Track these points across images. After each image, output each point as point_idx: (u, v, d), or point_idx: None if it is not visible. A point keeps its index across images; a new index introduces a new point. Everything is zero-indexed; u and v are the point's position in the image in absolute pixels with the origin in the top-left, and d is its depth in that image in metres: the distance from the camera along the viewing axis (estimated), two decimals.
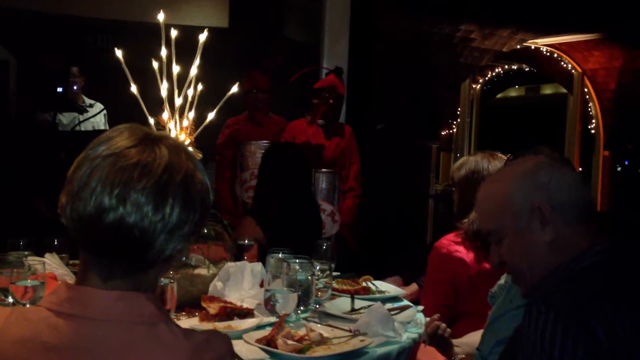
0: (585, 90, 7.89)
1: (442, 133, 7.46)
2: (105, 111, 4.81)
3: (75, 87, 4.60)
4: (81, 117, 4.66)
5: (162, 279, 1.89)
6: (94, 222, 1.00)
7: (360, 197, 4.16)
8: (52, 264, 2.10)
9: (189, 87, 2.45)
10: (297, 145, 3.86)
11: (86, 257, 1.05)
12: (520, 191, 1.41)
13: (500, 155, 2.56)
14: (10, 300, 1.83)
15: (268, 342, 1.76)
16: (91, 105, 4.78)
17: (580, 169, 8.03)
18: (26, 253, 2.07)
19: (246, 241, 2.55)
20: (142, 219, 1.00)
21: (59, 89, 4.47)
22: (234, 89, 2.54)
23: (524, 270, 1.43)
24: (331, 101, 4.12)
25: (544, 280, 1.39)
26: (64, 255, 2.29)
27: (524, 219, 1.39)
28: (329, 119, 4.18)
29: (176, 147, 1.07)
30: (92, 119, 4.69)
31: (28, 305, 1.76)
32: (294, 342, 1.78)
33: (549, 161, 1.46)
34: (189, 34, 2.53)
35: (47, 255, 2.16)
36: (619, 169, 7.85)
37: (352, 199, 4.12)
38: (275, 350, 1.73)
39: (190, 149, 1.12)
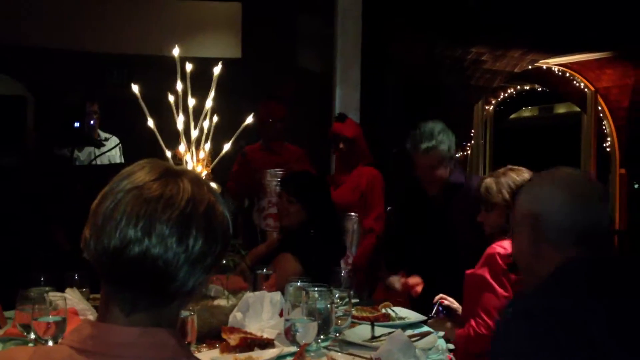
0: (599, 108, 7.87)
1: (457, 155, 7.45)
2: (120, 144, 4.86)
3: (92, 122, 4.66)
4: (97, 152, 4.71)
5: (182, 311, 1.90)
6: (120, 254, 1.00)
7: (378, 238, 3.99)
8: (72, 299, 2.11)
9: (204, 119, 2.47)
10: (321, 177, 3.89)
11: (109, 291, 1.06)
12: (524, 195, 1.51)
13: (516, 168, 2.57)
14: (33, 336, 1.84)
15: None
16: (107, 139, 4.83)
17: None
18: (47, 289, 2.08)
19: (264, 270, 2.55)
20: (167, 251, 1.01)
21: (76, 124, 4.54)
22: (249, 119, 2.57)
23: (519, 265, 1.55)
24: (341, 146, 4.01)
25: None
26: (84, 289, 2.31)
27: (521, 221, 1.49)
28: (345, 164, 4.07)
29: (197, 180, 1.08)
30: (107, 153, 4.74)
31: (50, 342, 1.77)
32: None
33: (560, 180, 1.49)
34: (203, 66, 2.57)
35: (67, 290, 2.17)
36: (636, 186, 7.78)
37: (370, 239, 3.98)
38: None
39: (211, 183, 1.13)
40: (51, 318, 1.80)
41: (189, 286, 1.04)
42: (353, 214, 3.97)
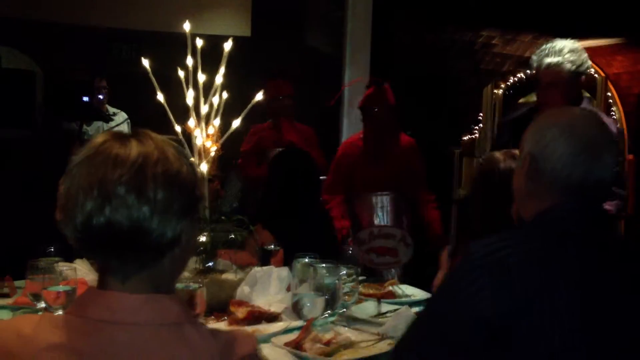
0: (609, 94, 7.82)
1: (465, 138, 7.43)
2: (128, 120, 4.87)
3: (101, 97, 4.66)
4: (106, 127, 4.73)
5: (191, 284, 1.92)
6: (88, 228, 1.00)
7: (439, 205, 3.84)
8: (82, 269, 2.13)
9: (214, 94, 2.47)
10: (306, 152, 3.84)
11: (99, 263, 1.07)
12: (532, 134, 1.46)
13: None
14: (43, 305, 1.86)
15: (296, 346, 1.77)
16: (115, 114, 4.84)
17: None
18: (57, 259, 2.10)
19: (272, 246, 2.57)
20: (130, 210, 1.00)
21: (85, 99, 4.54)
22: (259, 96, 2.56)
23: (517, 203, 1.52)
24: (376, 110, 3.65)
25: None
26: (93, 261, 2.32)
27: (523, 157, 1.46)
28: (389, 135, 3.73)
29: (146, 136, 1.07)
30: (116, 128, 4.76)
31: (60, 311, 1.79)
32: (322, 346, 1.79)
33: (568, 127, 1.43)
34: (212, 43, 2.56)
35: (77, 261, 2.19)
36: None
37: (435, 209, 3.79)
38: (303, 353, 1.74)
39: (168, 139, 1.11)
40: (61, 288, 1.82)
41: (169, 236, 1.03)
42: (384, 193, 3.57)
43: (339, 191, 3.71)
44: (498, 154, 2.25)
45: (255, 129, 4.32)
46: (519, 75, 8.41)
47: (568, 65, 2.72)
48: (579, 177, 1.37)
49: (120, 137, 1.06)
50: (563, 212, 1.38)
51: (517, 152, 2.24)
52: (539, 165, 1.41)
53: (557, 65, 2.72)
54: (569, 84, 2.74)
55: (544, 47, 2.78)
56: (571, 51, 2.74)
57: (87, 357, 1.00)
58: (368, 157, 3.71)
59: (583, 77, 2.77)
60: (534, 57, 2.83)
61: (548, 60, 2.74)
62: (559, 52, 2.73)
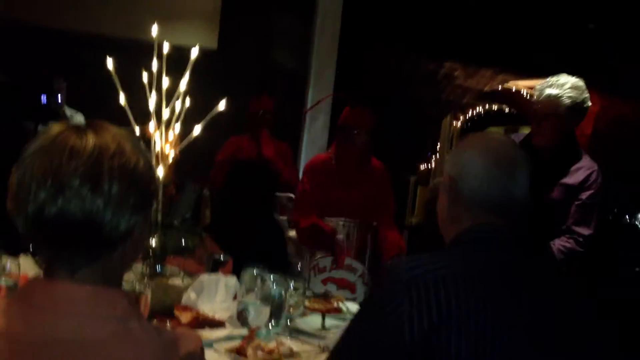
0: None
1: (421, 167, 7.57)
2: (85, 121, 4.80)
3: (59, 98, 4.60)
4: None
5: (136, 286, 1.91)
6: (39, 218, 0.99)
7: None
8: (26, 265, 2.10)
9: (177, 99, 2.48)
10: (265, 165, 3.84)
11: (48, 255, 1.05)
12: (452, 157, 1.54)
13: None
14: None
15: (238, 352, 1.78)
16: (72, 117, 4.77)
17: None
18: (0, 253, 2.06)
19: (222, 256, 2.57)
20: (83, 202, 0.99)
21: (43, 100, 4.48)
22: (221, 105, 2.56)
23: (440, 225, 1.57)
24: (362, 138, 3.40)
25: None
26: (37, 258, 2.29)
27: (445, 179, 1.52)
28: (364, 159, 3.48)
29: (103, 128, 1.06)
30: None
31: None
32: (264, 354, 1.80)
33: (483, 147, 1.51)
34: (179, 52, 2.57)
35: (21, 256, 2.16)
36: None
37: (399, 239, 3.52)
38: (245, 359, 1.75)
39: (126, 132, 1.11)
40: (3, 281, 1.80)
41: (122, 229, 1.03)
42: (352, 221, 3.33)
43: (310, 212, 3.40)
44: None
45: (233, 139, 4.44)
46: (478, 108, 8.63)
47: (566, 100, 2.74)
48: (495, 196, 1.43)
49: (77, 128, 1.05)
50: (481, 231, 1.43)
51: None
52: (458, 185, 1.47)
53: (556, 97, 2.75)
54: (564, 119, 2.77)
55: (549, 79, 2.81)
56: (573, 87, 2.76)
57: (28, 344, 0.99)
58: (340, 179, 3.44)
59: (579, 113, 2.80)
60: (537, 87, 2.85)
61: (549, 91, 2.77)
62: (561, 85, 2.76)
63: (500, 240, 1.42)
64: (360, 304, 1.45)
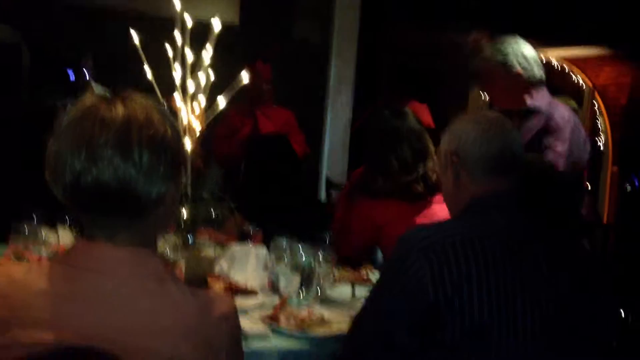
0: (595, 105, 7.92)
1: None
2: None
3: (87, 75, 4.66)
4: None
5: (172, 256, 1.96)
6: (76, 187, 1.05)
7: None
8: (64, 237, 2.16)
9: (200, 72, 2.50)
10: (283, 137, 3.82)
11: (87, 221, 1.11)
12: (446, 137, 1.65)
13: None
14: None
15: (271, 318, 1.82)
16: (99, 92, 4.83)
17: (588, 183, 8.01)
18: (39, 225, 2.12)
19: (251, 227, 2.60)
20: (116, 171, 1.04)
21: (71, 77, 4.54)
22: (245, 78, 2.58)
23: (447, 204, 1.67)
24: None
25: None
26: (75, 229, 2.35)
27: (444, 160, 1.62)
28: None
29: (131, 99, 1.11)
30: None
31: None
32: (297, 321, 1.84)
33: (474, 117, 1.66)
34: (200, 27, 2.59)
35: (59, 228, 2.22)
36: (628, 189, 7.79)
37: None
38: (278, 326, 1.79)
39: (154, 102, 1.14)
40: (44, 251, 1.85)
41: (154, 196, 1.08)
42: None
43: None
44: None
45: (233, 111, 4.22)
46: None
47: (498, 57, 2.76)
48: (496, 153, 1.53)
49: (107, 99, 1.09)
50: (487, 198, 1.50)
51: None
52: (460, 155, 1.56)
53: (484, 55, 2.84)
54: (498, 76, 2.78)
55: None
56: (504, 44, 2.78)
57: (72, 301, 1.04)
58: None
59: (515, 69, 2.73)
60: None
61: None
62: (493, 44, 2.83)
63: (506, 205, 1.49)
64: (380, 274, 1.50)
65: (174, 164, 1.11)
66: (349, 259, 2.65)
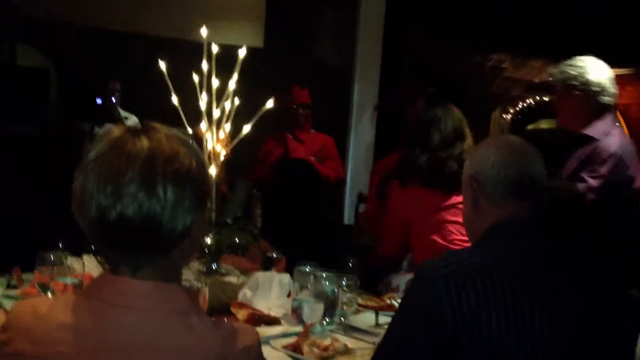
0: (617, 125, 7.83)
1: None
2: (139, 124, 4.90)
3: (114, 100, 4.72)
4: None
5: (196, 283, 1.96)
6: (101, 222, 1.05)
7: None
8: (90, 265, 2.17)
9: (226, 99, 2.52)
10: (310, 164, 3.81)
11: (111, 256, 1.11)
12: (467, 161, 1.65)
13: None
14: (50, 295, 1.90)
15: (294, 349, 1.80)
16: (127, 118, 4.89)
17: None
18: (65, 254, 2.14)
19: (275, 254, 2.60)
20: (141, 207, 1.04)
21: (98, 101, 4.61)
22: (269, 103, 2.60)
23: (467, 232, 1.67)
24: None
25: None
26: (100, 258, 2.36)
27: (465, 185, 1.62)
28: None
29: (156, 130, 1.11)
30: None
31: None
32: (320, 351, 1.83)
33: (495, 142, 1.65)
34: (226, 52, 2.62)
35: (84, 256, 2.23)
36: None
37: None
38: (301, 357, 1.78)
39: (179, 133, 1.14)
40: (69, 279, 1.86)
41: (179, 230, 1.07)
42: None
43: None
44: None
45: (270, 135, 4.22)
46: (528, 100, 8.47)
47: (558, 76, 2.76)
48: (514, 177, 1.51)
49: (133, 132, 1.10)
50: (506, 224, 1.49)
51: None
52: (479, 180, 1.55)
53: (554, 75, 2.84)
54: (562, 97, 2.78)
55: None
56: (570, 64, 2.74)
57: (96, 336, 1.04)
58: None
59: (576, 92, 2.70)
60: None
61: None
62: (563, 63, 2.79)
63: (526, 231, 1.48)
64: (400, 304, 1.50)
65: (200, 196, 1.11)
66: (388, 259, 2.69)
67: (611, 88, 2.72)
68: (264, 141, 4.23)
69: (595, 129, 2.69)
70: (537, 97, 8.43)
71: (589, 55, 2.81)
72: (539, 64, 6.55)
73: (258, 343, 1.14)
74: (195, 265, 2.26)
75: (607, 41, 6.16)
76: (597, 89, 2.69)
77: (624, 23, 6.03)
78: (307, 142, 4.19)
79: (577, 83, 2.69)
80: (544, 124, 11.63)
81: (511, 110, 8.37)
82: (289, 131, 4.19)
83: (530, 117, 9.91)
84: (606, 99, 2.71)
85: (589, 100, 2.69)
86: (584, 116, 2.71)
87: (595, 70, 2.72)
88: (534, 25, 6.11)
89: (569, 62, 2.76)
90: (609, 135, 2.68)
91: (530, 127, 10.90)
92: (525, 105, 8.50)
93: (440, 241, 2.67)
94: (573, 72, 2.71)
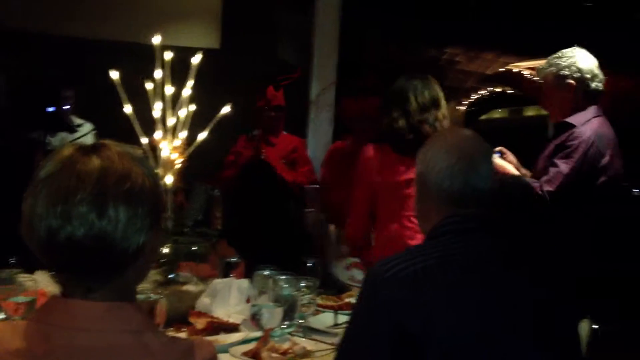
0: None
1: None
2: (95, 131, 4.84)
3: (66, 107, 4.65)
4: (70, 137, 4.68)
5: (151, 295, 1.96)
6: (50, 244, 1.03)
7: None
8: (43, 281, 2.15)
9: (181, 107, 2.51)
10: (268, 163, 3.83)
11: (61, 277, 1.10)
12: (420, 155, 1.63)
13: None
14: (2, 316, 1.88)
15: (253, 355, 1.82)
16: (80, 125, 4.82)
17: None
18: (18, 270, 2.11)
19: (233, 259, 2.61)
20: (91, 228, 1.02)
21: (51, 109, 4.54)
22: (226, 109, 2.59)
23: (417, 220, 1.70)
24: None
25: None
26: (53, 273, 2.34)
27: (417, 180, 1.62)
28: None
29: (108, 149, 1.09)
30: (81, 139, 4.72)
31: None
32: (279, 356, 1.85)
33: (447, 143, 1.61)
34: (181, 55, 2.60)
35: (38, 272, 2.20)
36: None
37: None
38: None
39: (132, 150, 1.13)
40: (21, 298, 1.84)
41: (132, 250, 1.06)
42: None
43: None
44: None
45: (242, 137, 4.18)
46: (481, 92, 8.62)
47: (550, 69, 2.85)
48: (457, 189, 1.53)
49: (84, 151, 1.08)
50: (448, 224, 1.51)
51: None
52: (426, 181, 1.57)
53: (542, 69, 2.90)
54: (553, 89, 2.86)
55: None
56: (559, 56, 2.85)
57: None
58: None
59: (570, 81, 2.81)
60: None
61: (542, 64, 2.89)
62: (551, 57, 2.87)
63: (467, 229, 1.50)
64: (353, 307, 1.54)
65: (153, 214, 1.10)
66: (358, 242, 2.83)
67: (600, 74, 2.86)
68: (236, 143, 4.17)
69: (577, 118, 2.80)
70: (490, 89, 8.59)
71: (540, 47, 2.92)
72: (491, 56, 6.68)
73: (215, 356, 1.15)
74: (152, 275, 2.25)
75: (554, 31, 6.30)
76: (589, 75, 2.81)
77: (571, 14, 6.16)
78: (278, 145, 4.14)
79: (570, 72, 2.81)
80: (496, 114, 11.86)
81: (465, 102, 8.51)
82: (260, 133, 4.11)
83: (484, 108, 10.10)
84: (597, 84, 2.84)
85: (581, 87, 2.81)
86: (576, 104, 2.82)
87: (585, 59, 2.85)
88: (486, 19, 6.20)
89: (557, 55, 2.87)
90: (588, 122, 2.78)
91: (483, 117, 11.11)
92: (478, 96, 8.66)
93: (404, 221, 2.72)
94: (564, 63, 2.82)
